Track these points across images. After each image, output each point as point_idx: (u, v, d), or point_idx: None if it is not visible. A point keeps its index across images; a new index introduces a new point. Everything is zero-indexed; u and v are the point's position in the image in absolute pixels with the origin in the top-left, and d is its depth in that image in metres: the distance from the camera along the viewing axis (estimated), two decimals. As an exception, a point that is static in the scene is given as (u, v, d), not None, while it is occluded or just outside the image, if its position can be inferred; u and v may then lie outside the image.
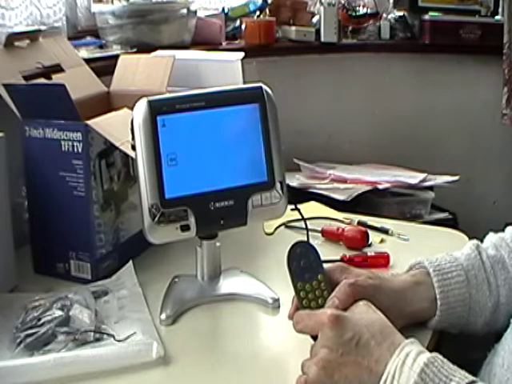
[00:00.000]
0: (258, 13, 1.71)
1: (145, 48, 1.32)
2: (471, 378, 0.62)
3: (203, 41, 1.56)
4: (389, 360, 0.64)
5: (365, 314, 0.70)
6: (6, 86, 0.92)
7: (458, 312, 0.81)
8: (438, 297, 0.80)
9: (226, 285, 0.91)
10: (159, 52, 1.27)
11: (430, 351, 0.65)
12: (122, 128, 0.83)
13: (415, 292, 0.80)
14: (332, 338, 0.66)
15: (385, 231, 1.12)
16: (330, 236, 1.09)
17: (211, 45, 1.55)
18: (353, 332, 0.66)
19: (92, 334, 0.77)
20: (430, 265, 0.82)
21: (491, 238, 0.88)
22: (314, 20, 1.74)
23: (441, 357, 0.64)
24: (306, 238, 0.93)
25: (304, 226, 0.93)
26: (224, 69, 1.21)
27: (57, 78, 1.04)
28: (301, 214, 0.87)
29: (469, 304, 0.81)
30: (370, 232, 1.08)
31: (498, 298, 0.82)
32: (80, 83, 1.09)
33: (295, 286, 0.75)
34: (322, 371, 0.65)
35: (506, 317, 0.83)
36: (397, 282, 0.81)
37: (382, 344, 0.65)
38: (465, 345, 0.68)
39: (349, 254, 1.02)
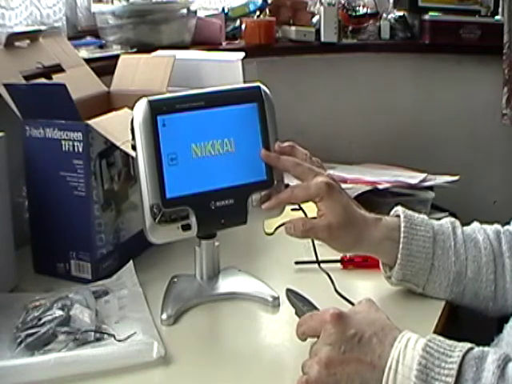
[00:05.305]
0: (258, 13, 1.70)
1: (145, 48, 1.32)
2: (472, 345, 0.63)
3: (203, 41, 1.56)
4: (391, 350, 0.64)
5: (367, 313, 0.69)
6: (6, 85, 0.92)
7: (419, 264, 0.84)
8: (401, 240, 0.83)
9: (226, 284, 0.91)
10: (159, 52, 1.27)
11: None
12: (123, 128, 0.83)
13: (381, 228, 0.84)
14: (334, 335, 0.65)
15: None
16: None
17: (211, 45, 1.55)
18: (355, 329, 0.66)
19: (92, 333, 0.77)
20: (404, 213, 0.86)
21: (472, 224, 0.91)
22: (314, 20, 1.73)
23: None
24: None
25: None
26: (224, 69, 1.21)
27: (57, 78, 1.04)
28: (304, 213, 0.87)
29: (431, 260, 0.84)
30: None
31: (466, 270, 0.84)
32: (80, 83, 1.09)
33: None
34: (323, 370, 0.64)
35: (472, 294, 0.85)
36: (369, 214, 0.85)
37: (383, 341, 0.65)
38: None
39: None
